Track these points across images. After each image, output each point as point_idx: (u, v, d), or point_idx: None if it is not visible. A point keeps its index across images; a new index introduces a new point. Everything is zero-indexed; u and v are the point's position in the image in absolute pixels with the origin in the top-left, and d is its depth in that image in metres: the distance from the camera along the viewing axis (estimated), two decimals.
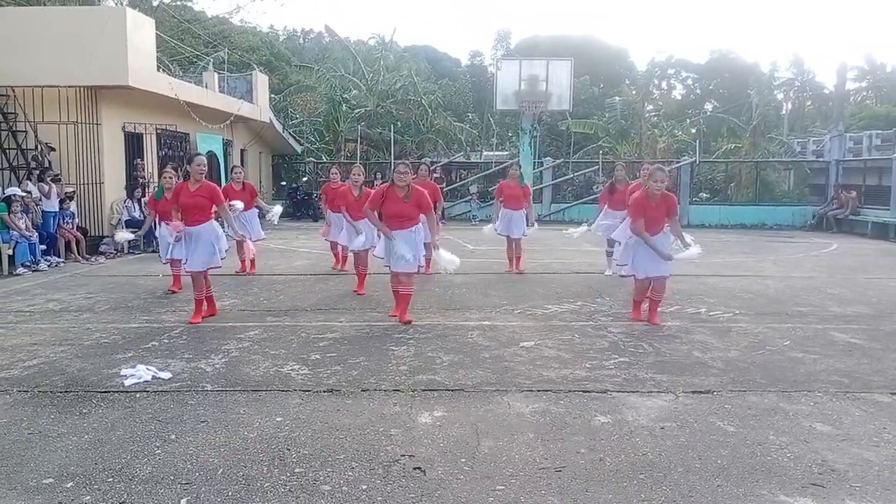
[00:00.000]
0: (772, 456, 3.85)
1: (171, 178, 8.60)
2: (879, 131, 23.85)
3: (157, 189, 9.42)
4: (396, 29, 38.51)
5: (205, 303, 7.25)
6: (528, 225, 10.61)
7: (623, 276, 9.75)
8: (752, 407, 4.65)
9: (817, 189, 22.48)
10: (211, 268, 7.18)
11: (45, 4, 19.85)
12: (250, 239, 10.31)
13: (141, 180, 14.04)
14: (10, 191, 11.43)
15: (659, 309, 7.28)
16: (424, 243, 7.28)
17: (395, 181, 6.90)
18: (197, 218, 7.04)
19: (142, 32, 13.21)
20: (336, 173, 10.65)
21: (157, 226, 9.46)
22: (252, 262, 10.54)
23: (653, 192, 6.86)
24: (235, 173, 10.69)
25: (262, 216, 10.73)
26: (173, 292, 8.77)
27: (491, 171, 23.54)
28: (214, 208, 7.21)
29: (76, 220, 12.71)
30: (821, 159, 23.22)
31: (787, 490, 3.45)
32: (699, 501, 3.34)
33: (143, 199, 13.47)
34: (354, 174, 8.85)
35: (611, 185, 10.18)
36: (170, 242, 8.20)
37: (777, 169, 24.34)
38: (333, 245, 10.69)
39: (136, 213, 13.49)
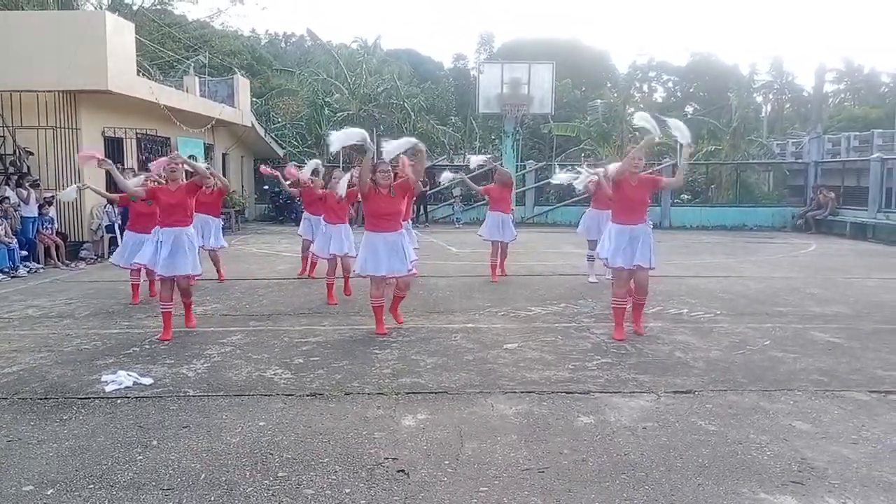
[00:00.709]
0: (752, 454, 3.89)
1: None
2: (857, 133, 24.25)
3: None
4: (381, 36, 38.54)
5: (165, 316, 6.78)
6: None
7: (607, 279, 9.77)
8: (733, 406, 4.70)
9: (796, 190, 22.75)
10: (192, 274, 7.03)
11: (23, 8, 19.66)
12: (214, 249, 10.02)
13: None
14: None
15: (642, 320, 7.08)
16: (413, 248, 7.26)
17: (378, 181, 6.75)
18: (177, 219, 6.89)
19: (121, 37, 13.10)
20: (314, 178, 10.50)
21: (121, 233, 9.29)
22: (218, 269, 10.20)
23: (631, 172, 6.68)
24: None
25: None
26: (153, 297, 8.66)
27: (474, 173, 23.54)
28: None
29: (55, 225, 12.58)
30: (800, 161, 23.57)
31: (767, 488, 3.49)
32: (681, 501, 3.36)
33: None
34: (335, 178, 8.74)
35: (597, 182, 10.14)
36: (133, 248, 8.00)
37: (757, 171, 24.63)
38: (306, 246, 10.21)
39: (116, 219, 13.38)
